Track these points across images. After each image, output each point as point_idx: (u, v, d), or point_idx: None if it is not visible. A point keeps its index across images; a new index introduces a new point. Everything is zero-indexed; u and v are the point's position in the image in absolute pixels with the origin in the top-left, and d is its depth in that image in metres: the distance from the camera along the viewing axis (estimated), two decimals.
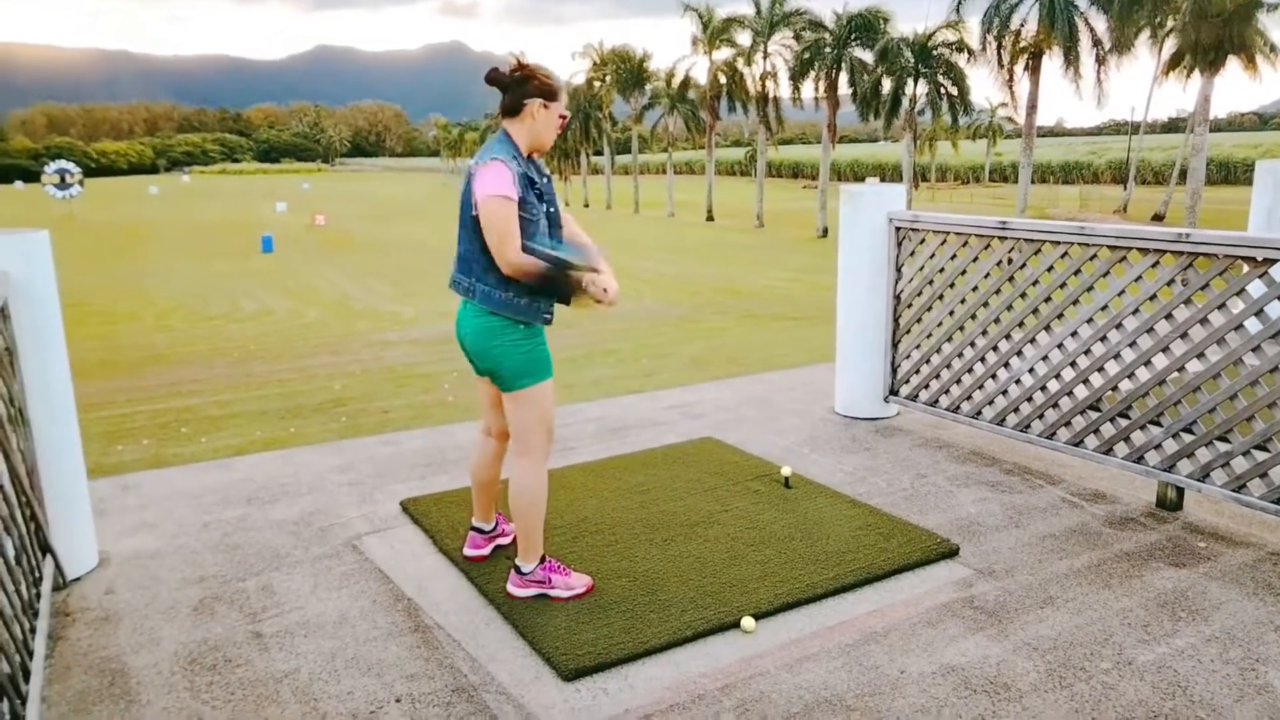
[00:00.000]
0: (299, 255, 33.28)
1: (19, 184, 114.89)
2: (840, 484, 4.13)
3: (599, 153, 71.38)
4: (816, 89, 42.00)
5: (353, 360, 14.88)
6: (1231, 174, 64.40)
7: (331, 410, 11.68)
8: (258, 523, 3.77)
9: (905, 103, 39.54)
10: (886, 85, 39.76)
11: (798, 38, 42.25)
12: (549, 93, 2.91)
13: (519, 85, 2.89)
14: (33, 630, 2.70)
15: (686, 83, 52.18)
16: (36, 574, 2.96)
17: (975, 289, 4.53)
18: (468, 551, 3.40)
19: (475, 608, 3.07)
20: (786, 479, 4.08)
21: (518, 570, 3.10)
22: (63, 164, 54.98)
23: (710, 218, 51.23)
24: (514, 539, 3.43)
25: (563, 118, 2.97)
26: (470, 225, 2.88)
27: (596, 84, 59.17)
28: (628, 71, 57.03)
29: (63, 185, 53.32)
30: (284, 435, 10.54)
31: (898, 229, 4.90)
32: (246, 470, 4.39)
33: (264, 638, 2.90)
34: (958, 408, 4.69)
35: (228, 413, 11.73)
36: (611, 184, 67.53)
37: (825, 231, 40.44)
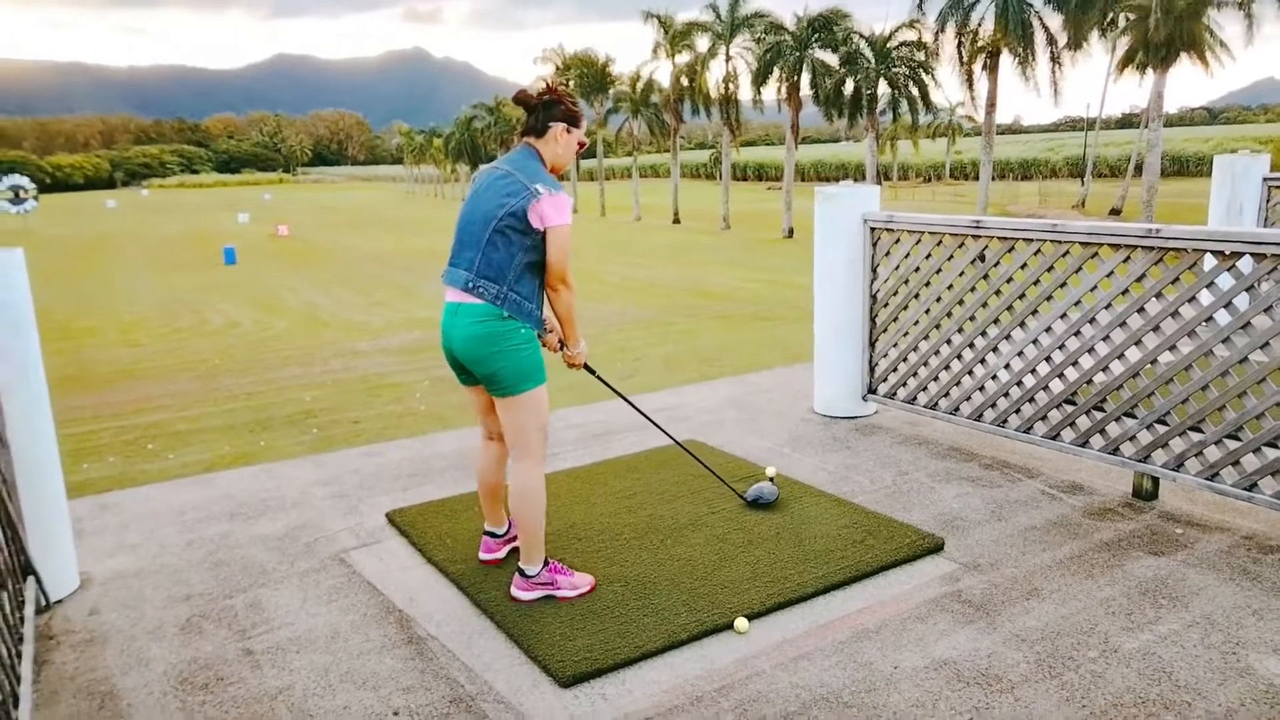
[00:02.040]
0: (263, 266, 32.87)
1: None
2: (824, 483, 4.17)
3: None
4: (779, 91, 42.29)
5: (322, 371, 14.73)
6: (1185, 167, 65.84)
7: (302, 422, 11.55)
8: (242, 539, 3.73)
9: (866, 103, 39.95)
10: (849, 86, 40.16)
11: (759, 41, 42.52)
12: (573, 119, 3.06)
13: (546, 109, 3.02)
14: (18, 654, 2.65)
15: (650, 86, 52.32)
16: (19, 597, 2.91)
17: (950, 287, 4.59)
18: (483, 555, 3.42)
19: (468, 618, 3.07)
20: (771, 479, 4.11)
21: (522, 574, 3.11)
22: (16, 179, 53.79)
23: (677, 220, 51.36)
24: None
25: (581, 144, 3.10)
26: (508, 236, 2.89)
27: (559, 89, 59.02)
28: (591, 76, 57.04)
29: (17, 200, 52.19)
30: (254, 449, 10.41)
31: (872, 229, 4.96)
32: (227, 486, 4.34)
33: (255, 654, 2.87)
34: (935, 404, 4.76)
35: (196, 427, 11.56)
36: (577, 188, 67.51)
37: (791, 232, 40.71)
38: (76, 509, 4.01)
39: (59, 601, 3.23)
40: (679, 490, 4.08)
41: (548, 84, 3.07)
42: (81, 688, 2.71)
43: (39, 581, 3.11)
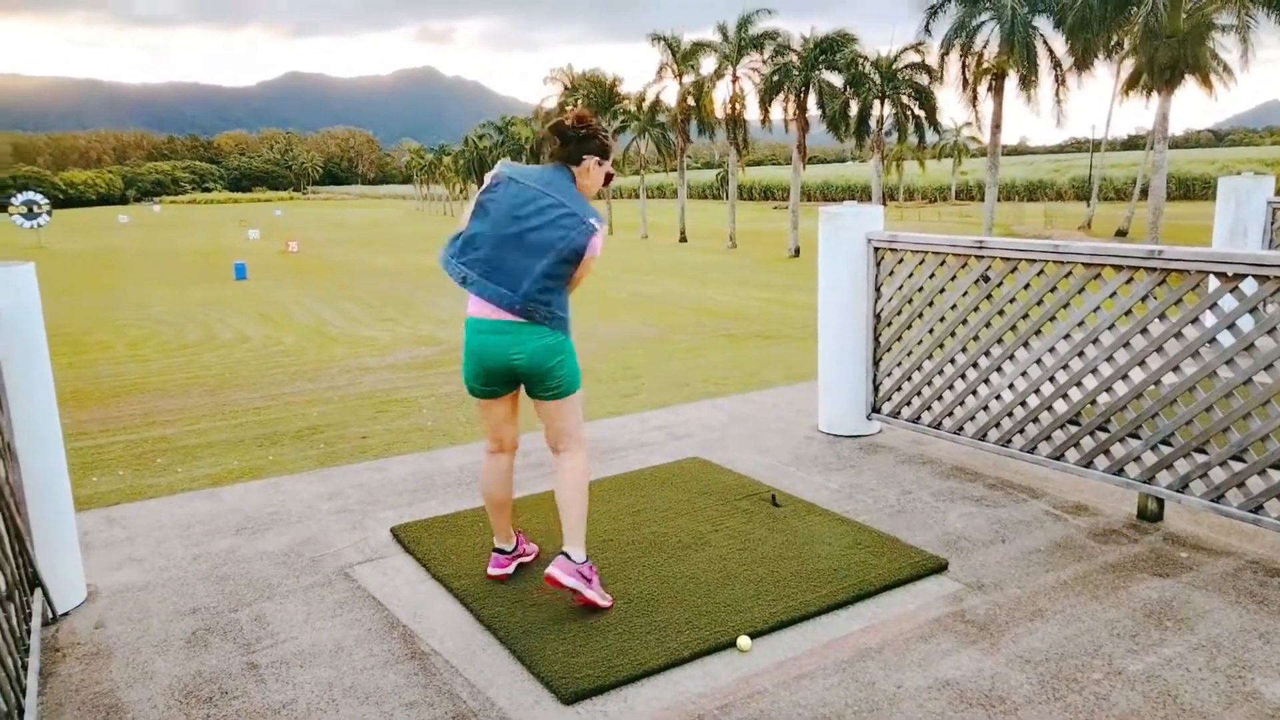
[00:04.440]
0: (273, 282, 33.04)
1: None
2: (827, 502, 4.17)
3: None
4: (786, 111, 42.56)
5: (329, 386, 14.77)
6: (1190, 190, 65.86)
7: (309, 437, 11.58)
8: (247, 553, 3.74)
9: (873, 124, 40.15)
10: (854, 107, 40.39)
11: (767, 62, 42.79)
12: (605, 152, 3.18)
13: (583, 141, 3.13)
14: (24, 666, 2.66)
15: (656, 106, 52.68)
16: (26, 609, 2.92)
17: (954, 307, 4.61)
18: (492, 571, 3.42)
19: (471, 633, 3.07)
20: (774, 497, 4.12)
21: (568, 557, 3.11)
22: (30, 195, 54.43)
23: (683, 239, 51.55)
24: (535, 557, 3.55)
25: (609, 175, 3.24)
26: (562, 266, 3.02)
27: (568, 108, 59.61)
28: (599, 95, 57.46)
29: (30, 215, 52.76)
30: (262, 463, 10.43)
31: (876, 249, 4.99)
32: (234, 500, 4.36)
33: (259, 668, 2.88)
34: (939, 424, 4.76)
35: (204, 442, 11.59)
36: None
37: (797, 251, 40.81)
38: (84, 522, 4.03)
39: (65, 614, 3.25)
40: (682, 508, 4.09)
41: (582, 115, 3.15)
42: (86, 700, 2.72)
43: (46, 594, 3.13)
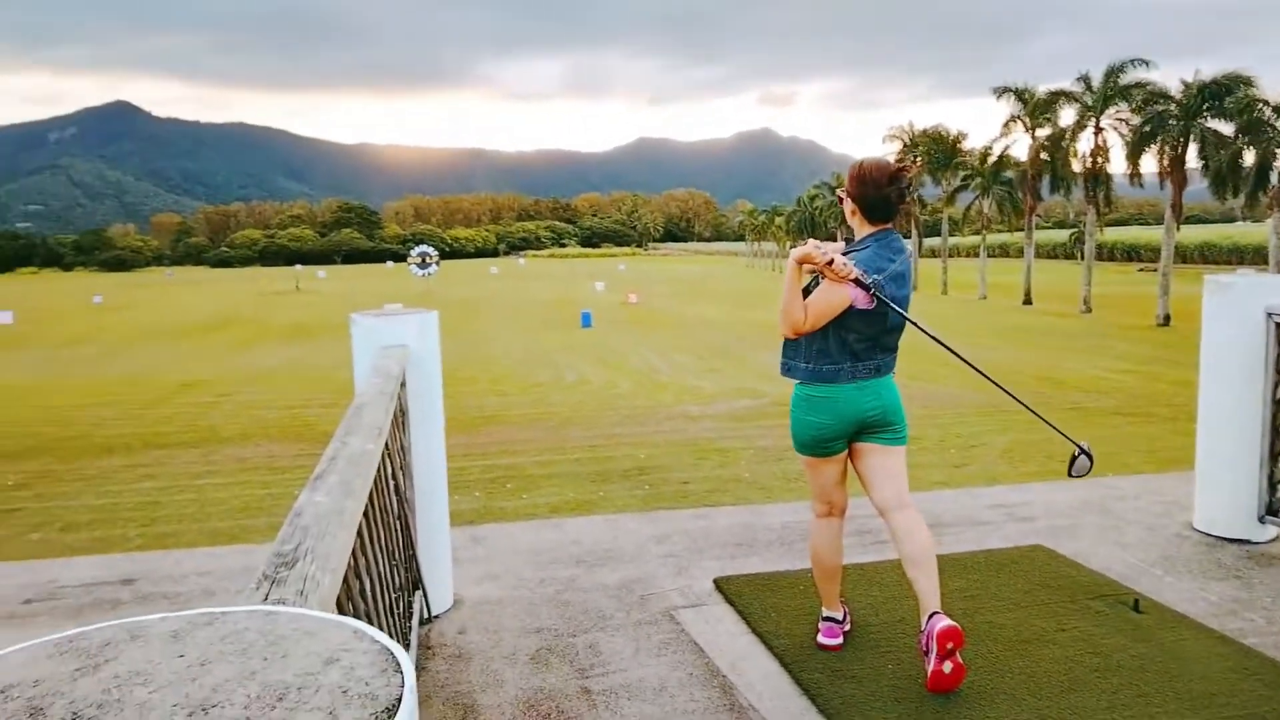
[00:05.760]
0: (613, 330, 35.70)
1: (389, 264, 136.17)
2: (1204, 615, 3.61)
3: (906, 235, 69.89)
4: (1160, 164, 38.15)
5: (656, 431, 15.57)
6: None
7: (635, 477, 12.26)
8: (586, 584, 4.04)
9: (1273, 177, 34.68)
10: (1249, 158, 35.19)
11: (1138, 110, 38.79)
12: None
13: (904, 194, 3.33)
14: None
15: (1003, 162, 49.72)
16: (410, 608, 3.39)
17: None
18: (825, 640, 3.34)
19: (789, 695, 3.05)
20: (1137, 602, 3.64)
21: (941, 614, 2.99)
22: (424, 248, 64.36)
23: (1028, 301, 47.82)
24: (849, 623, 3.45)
25: (840, 199, 3.53)
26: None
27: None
28: (940, 152, 55.59)
29: (423, 265, 62.15)
30: (593, 498, 11.22)
31: (1278, 325, 4.29)
32: (575, 532, 4.74)
33: (592, 694, 3.08)
34: None
35: (546, 473, 12.74)
36: (919, 265, 65.64)
37: (1167, 319, 36.11)
38: (454, 537, 4.59)
39: (436, 617, 3.71)
40: (1020, 599, 3.76)
41: (903, 165, 3.31)
42: (449, 698, 3.09)
43: (425, 596, 3.61)
